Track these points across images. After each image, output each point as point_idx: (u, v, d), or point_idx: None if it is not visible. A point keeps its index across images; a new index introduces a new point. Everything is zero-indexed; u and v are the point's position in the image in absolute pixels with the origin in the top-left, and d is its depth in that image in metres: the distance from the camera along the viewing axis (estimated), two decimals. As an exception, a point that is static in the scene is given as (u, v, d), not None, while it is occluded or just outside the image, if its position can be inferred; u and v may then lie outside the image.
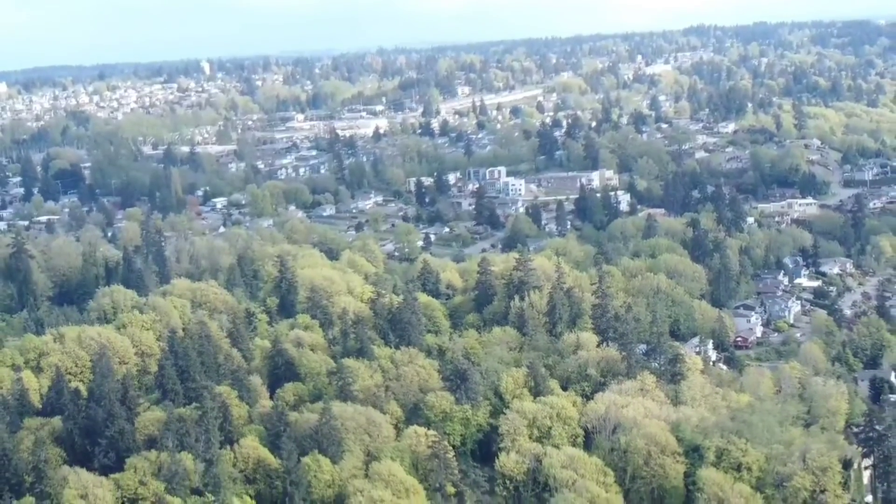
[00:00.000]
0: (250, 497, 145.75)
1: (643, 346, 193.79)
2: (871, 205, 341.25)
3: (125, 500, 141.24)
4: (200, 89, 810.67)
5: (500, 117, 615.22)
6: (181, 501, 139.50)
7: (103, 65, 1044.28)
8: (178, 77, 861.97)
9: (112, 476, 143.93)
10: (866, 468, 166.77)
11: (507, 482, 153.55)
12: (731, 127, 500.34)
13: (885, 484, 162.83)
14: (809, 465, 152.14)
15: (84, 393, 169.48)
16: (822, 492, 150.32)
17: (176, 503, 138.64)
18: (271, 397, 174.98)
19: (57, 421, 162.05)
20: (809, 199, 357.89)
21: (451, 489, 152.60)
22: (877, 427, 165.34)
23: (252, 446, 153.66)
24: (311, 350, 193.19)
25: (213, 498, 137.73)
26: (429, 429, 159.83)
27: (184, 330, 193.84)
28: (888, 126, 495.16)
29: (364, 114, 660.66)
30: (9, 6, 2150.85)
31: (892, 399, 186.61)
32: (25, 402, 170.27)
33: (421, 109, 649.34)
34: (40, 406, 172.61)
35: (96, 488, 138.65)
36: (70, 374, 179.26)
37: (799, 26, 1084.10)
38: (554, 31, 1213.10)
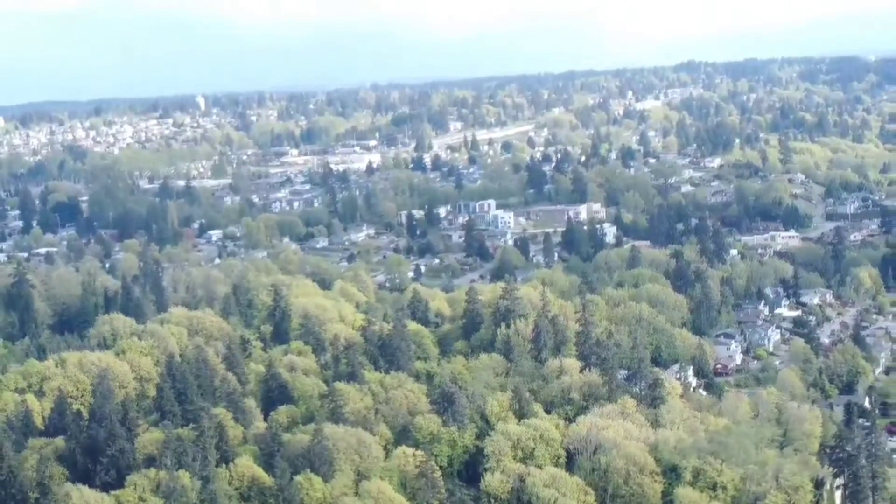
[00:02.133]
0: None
1: (624, 372, 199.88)
2: (851, 237, 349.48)
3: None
4: (196, 124, 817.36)
5: (491, 152, 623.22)
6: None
7: (99, 100, 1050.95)
8: (174, 112, 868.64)
9: (113, 493, 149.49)
10: (837, 488, 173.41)
11: (492, 501, 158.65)
12: (717, 161, 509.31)
13: (855, 502, 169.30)
14: (782, 485, 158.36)
15: (85, 414, 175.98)
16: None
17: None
18: (265, 419, 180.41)
19: (60, 441, 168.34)
20: (792, 232, 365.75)
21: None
22: (847, 448, 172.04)
23: (247, 465, 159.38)
24: (304, 374, 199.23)
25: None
26: (417, 450, 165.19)
27: (181, 355, 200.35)
28: (872, 161, 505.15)
29: (357, 148, 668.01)
30: (4, 42, 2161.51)
31: (863, 423, 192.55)
32: (29, 423, 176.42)
33: (413, 144, 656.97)
34: (43, 428, 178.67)
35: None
36: (71, 397, 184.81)
37: (789, 62, 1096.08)
38: (547, 67, 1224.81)
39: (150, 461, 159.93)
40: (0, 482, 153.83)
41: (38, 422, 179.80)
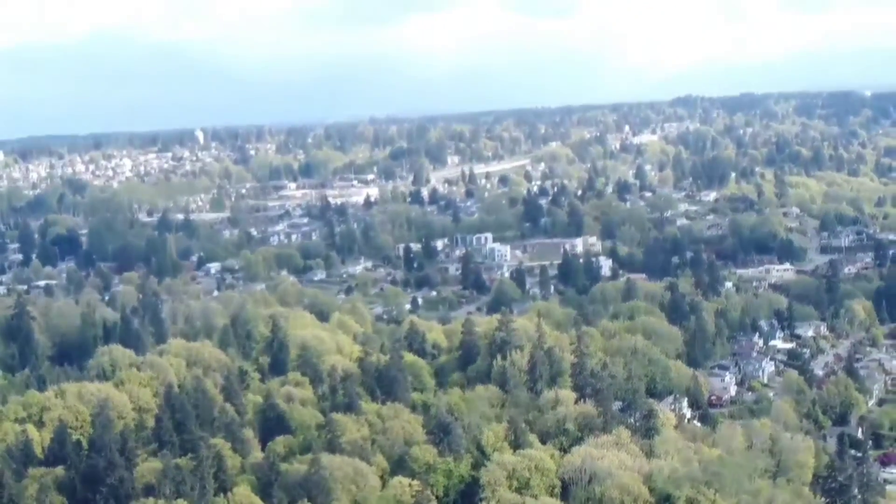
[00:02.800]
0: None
1: (619, 403, 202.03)
2: (845, 270, 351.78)
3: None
4: (195, 158, 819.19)
5: (488, 186, 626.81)
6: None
7: (99, 133, 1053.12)
8: (173, 146, 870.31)
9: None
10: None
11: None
12: (712, 195, 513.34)
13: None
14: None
15: (85, 444, 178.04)
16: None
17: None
18: (263, 449, 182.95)
19: (60, 470, 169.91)
20: (787, 265, 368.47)
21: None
22: (839, 478, 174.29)
23: (245, 494, 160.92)
24: (302, 405, 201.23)
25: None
26: (413, 479, 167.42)
27: (180, 386, 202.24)
28: (867, 195, 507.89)
29: (355, 182, 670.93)
30: (4, 74, 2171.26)
31: (855, 454, 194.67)
32: (29, 452, 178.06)
33: (411, 178, 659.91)
34: (43, 457, 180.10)
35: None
36: (71, 427, 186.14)
37: (785, 97, 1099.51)
38: (545, 101, 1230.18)
39: (149, 490, 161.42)
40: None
41: (38, 451, 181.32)
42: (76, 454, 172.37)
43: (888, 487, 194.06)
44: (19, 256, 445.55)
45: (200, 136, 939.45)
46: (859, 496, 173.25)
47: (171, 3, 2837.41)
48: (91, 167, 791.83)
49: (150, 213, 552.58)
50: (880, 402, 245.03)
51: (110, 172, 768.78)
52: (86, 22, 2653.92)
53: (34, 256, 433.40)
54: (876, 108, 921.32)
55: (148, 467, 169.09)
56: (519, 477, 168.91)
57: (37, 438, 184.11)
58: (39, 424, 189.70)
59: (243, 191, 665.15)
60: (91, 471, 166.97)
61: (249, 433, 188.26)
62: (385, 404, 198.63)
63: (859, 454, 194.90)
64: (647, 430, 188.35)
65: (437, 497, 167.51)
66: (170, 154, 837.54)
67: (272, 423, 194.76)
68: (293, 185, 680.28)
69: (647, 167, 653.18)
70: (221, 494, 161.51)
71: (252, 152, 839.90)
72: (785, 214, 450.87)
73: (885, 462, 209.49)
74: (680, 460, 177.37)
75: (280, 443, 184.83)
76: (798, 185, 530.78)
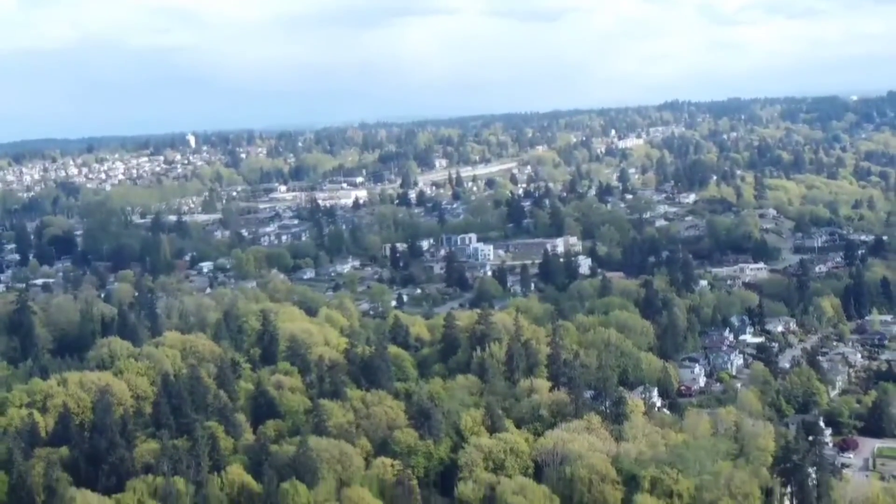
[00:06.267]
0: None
1: (591, 392, 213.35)
2: (816, 269, 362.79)
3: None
4: (186, 161, 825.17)
5: (475, 188, 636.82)
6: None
7: (91, 138, 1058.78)
8: (165, 150, 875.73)
9: (114, 496, 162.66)
10: (785, 495, 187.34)
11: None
12: (692, 197, 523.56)
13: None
14: (733, 491, 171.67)
15: (87, 428, 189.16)
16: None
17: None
18: (254, 432, 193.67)
19: (64, 449, 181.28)
20: (760, 265, 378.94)
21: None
22: (794, 459, 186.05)
23: (237, 473, 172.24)
24: (291, 392, 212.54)
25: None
26: (395, 460, 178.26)
27: (175, 375, 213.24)
28: (845, 197, 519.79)
29: (344, 185, 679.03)
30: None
31: (812, 438, 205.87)
32: (35, 435, 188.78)
33: (399, 181, 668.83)
34: (48, 440, 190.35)
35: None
36: (73, 413, 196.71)
37: (771, 102, 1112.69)
38: (533, 106, 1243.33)
39: (148, 468, 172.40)
40: (10, 486, 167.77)
41: (43, 434, 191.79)
42: (79, 435, 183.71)
43: (845, 471, 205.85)
44: (16, 256, 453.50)
45: (192, 140, 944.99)
46: (813, 475, 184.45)
47: (161, 10, 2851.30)
48: (84, 170, 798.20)
49: (143, 215, 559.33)
50: (843, 393, 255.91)
51: (103, 175, 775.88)
52: (76, 28, 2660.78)
53: (31, 256, 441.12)
54: (860, 113, 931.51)
55: (147, 447, 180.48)
56: (495, 458, 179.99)
57: (41, 423, 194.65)
58: (43, 410, 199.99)
59: (234, 193, 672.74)
60: (94, 450, 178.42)
61: (241, 417, 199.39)
62: (369, 392, 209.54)
63: (819, 438, 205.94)
64: (616, 416, 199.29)
65: (417, 478, 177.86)
66: (161, 158, 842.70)
67: (263, 409, 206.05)
68: (283, 188, 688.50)
69: (631, 170, 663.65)
70: (215, 473, 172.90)
71: (243, 156, 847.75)
72: (761, 216, 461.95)
73: (843, 448, 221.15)
74: (647, 444, 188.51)
75: (270, 426, 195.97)
76: (777, 187, 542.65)
